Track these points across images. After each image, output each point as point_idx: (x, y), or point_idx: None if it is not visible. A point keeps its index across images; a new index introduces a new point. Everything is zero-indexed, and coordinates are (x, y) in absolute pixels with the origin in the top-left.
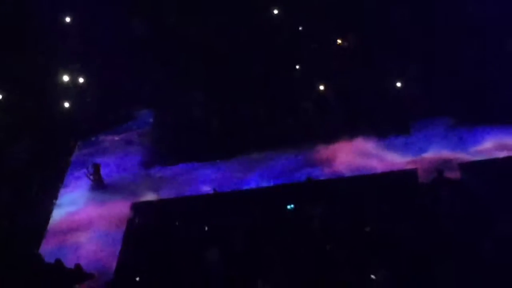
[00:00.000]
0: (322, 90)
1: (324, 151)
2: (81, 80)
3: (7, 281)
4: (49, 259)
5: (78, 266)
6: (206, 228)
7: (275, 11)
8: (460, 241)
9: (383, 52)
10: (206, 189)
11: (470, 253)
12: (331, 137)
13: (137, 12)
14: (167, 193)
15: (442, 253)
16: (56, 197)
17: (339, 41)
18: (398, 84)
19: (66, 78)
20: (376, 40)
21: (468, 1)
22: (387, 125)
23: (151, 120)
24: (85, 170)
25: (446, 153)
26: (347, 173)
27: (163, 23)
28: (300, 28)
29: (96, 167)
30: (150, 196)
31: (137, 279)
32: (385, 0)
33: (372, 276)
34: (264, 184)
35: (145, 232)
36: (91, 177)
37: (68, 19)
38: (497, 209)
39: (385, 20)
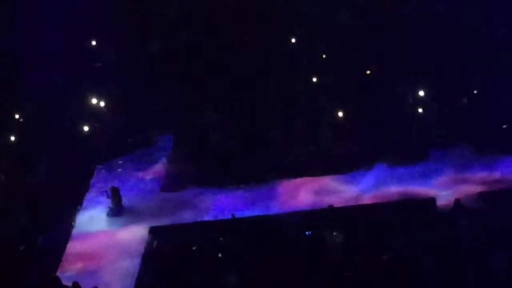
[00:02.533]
0: (341, 117)
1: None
2: (102, 103)
3: None
4: (67, 282)
5: None
6: (223, 254)
7: (293, 40)
8: (479, 270)
9: (403, 78)
10: (224, 214)
11: (489, 282)
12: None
13: (155, 35)
14: (185, 218)
15: (461, 282)
16: (74, 220)
17: (368, 71)
18: (420, 110)
19: (93, 100)
20: (396, 68)
21: (490, 27)
22: (406, 152)
23: (170, 144)
24: (104, 193)
25: (464, 181)
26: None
27: (180, 44)
28: (324, 56)
29: (115, 191)
30: (168, 220)
31: None
32: (405, 27)
33: None
34: (282, 210)
35: (163, 256)
36: (110, 200)
37: (94, 42)
38: None
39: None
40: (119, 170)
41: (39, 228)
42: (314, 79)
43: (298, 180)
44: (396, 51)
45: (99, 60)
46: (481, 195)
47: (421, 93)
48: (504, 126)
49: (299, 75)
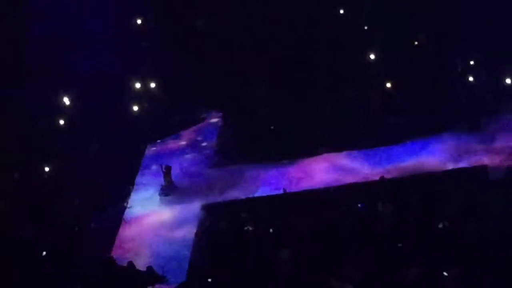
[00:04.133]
0: (389, 88)
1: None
2: (152, 84)
3: (80, 286)
4: (121, 262)
5: (150, 269)
6: (276, 229)
7: (341, 11)
8: None
9: (452, 47)
10: (275, 189)
11: None
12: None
13: (199, 8)
14: (236, 194)
15: None
16: (127, 201)
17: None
18: (470, 79)
19: (142, 80)
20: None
21: None
22: (458, 122)
23: (218, 121)
24: (159, 168)
25: None
26: None
27: (227, 19)
28: (366, 28)
29: (168, 169)
30: (219, 198)
31: (209, 280)
32: None
33: (445, 274)
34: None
35: (216, 234)
36: (164, 178)
37: (139, 21)
38: None
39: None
40: (168, 149)
41: (93, 209)
42: (363, 52)
43: (348, 152)
44: (444, 20)
45: (146, 40)
46: None
47: (471, 61)
48: None
49: (347, 47)
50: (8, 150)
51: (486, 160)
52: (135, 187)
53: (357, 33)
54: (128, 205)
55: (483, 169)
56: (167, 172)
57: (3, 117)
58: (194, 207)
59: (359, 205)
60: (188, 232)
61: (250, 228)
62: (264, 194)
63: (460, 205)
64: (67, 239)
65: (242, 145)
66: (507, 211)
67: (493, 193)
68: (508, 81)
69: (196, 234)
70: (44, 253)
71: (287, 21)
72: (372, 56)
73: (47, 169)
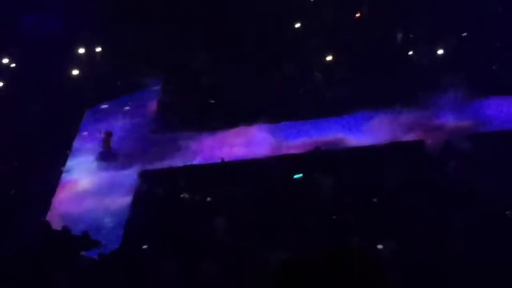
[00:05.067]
0: (330, 60)
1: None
2: (94, 49)
3: (13, 249)
4: (56, 226)
5: (85, 234)
6: (213, 198)
7: None
8: (469, 212)
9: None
10: (214, 157)
11: (479, 223)
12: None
13: None
14: (174, 162)
15: (451, 224)
16: (64, 165)
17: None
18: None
19: (83, 45)
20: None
21: None
22: (397, 96)
23: (159, 88)
24: (97, 132)
25: (455, 125)
26: None
27: None
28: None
29: (108, 134)
30: (158, 165)
31: (144, 247)
32: None
33: (379, 246)
34: (273, 154)
35: (153, 201)
36: (102, 143)
37: None
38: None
39: None
40: (108, 114)
41: (30, 173)
42: (300, 24)
43: (288, 123)
44: None
45: (89, 5)
46: (469, 137)
47: (411, 35)
48: (494, 67)
49: (290, 17)
50: None
51: (423, 135)
52: (72, 151)
53: (300, 4)
54: (65, 170)
55: (419, 144)
56: (106, 137)
57: None
58: (132, 173)
59: (295, 176)
60: (125, 198)
61: (187, 196)
62: (202, 162)
63: (397, 179)
64: (2, 201)
65: (182, 113)
66: (442, 186)
67: (429, 168)
68: (447, 54)
69: (132, 201)
70: None
71: None
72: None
73: None
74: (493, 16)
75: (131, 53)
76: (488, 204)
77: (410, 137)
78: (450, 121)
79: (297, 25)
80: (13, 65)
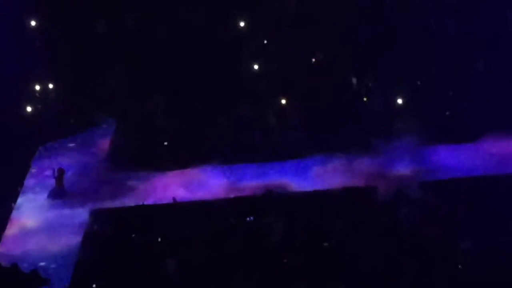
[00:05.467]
0: (284, 104)
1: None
2: (45, 85)
3: None
4: (5, 263)
5: (34, 272)
6: (164, 238)
7: (241, 24)
8: (420, 259)
9: (349, 67)
10: (166, 198)
11: (426, 272)
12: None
13: (99, 12)
14: (126, 201)
15: (401, 271)
16: (14, 201)
17: (313, 59)
18: (364, 99)
19: (37, 82)
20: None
21: (429, 16)
22: (350, 142)
23: (113, 128)
24: (51, 171)
25: (406, 172)
26: None
27: (125, 24)
28: (265, 42)
29: (61, 172)
30: (109, 204)
31: (94, 286)
32: (354, 17)
33: None
34: (224, 196)
35: (103, 240)
36: (55, 180)
37: (33, 23)
38: (457, 228)
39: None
40: (61, 151)
41: None
42: (257, 66)
43: (241, 165)
44: (343, 40)
45: (41, 41)
46: (420, 184)
47: (367, 82)
48: (447, 113)
49: (245, 60)
50: None
51: (375, 182)
52: (23, 188)
53: (256, 47)
54: (15, 207)
55: (371, 190)
56: (59, 175)
57: None
58: (82, 212)
59: (247, 218)
60: (75, 236)
61: (138, 236)
62: (153, 202)
63: (347, 225)
64: None
65: (134, 153)
66: (392, 232)
67: (380, 214)
68: (400, 102)
69: (83, 240)
70: None
71: (186, 31)
72: (268, 71)
73: None
74: (447, 63)
75: (84, 91)
76: (437, 251)
77: (362, 183)
78: (401, 168)
79: (255, 66)
80: None
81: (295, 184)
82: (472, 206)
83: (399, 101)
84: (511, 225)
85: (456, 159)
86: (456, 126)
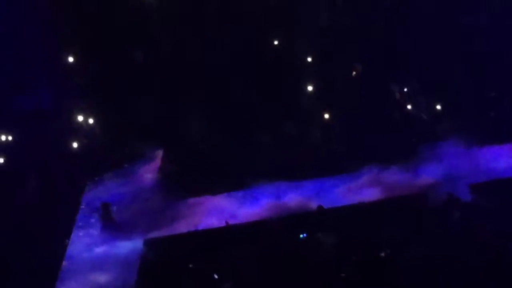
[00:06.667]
0: (328, 119)
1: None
2: (91, 120)
3: None
4: None
5: None
6: (220, 262)
7: (276, 42)
8: (475, 264)
9: (389, 77)
10: (218, 222)
11: (485, 276)
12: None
13: (132, 41)
14: (179, 228)
15: (457, 277)
16: (68, 237)
17: (354, 72)
18: (409, 107)
19: (80, 118)
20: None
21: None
22: (396, 150)
23: (158, 156)
24: (95, 211)
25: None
26: None
27: (160, 50)
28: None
29: (106, 206)
30: (162, 232)
31: None
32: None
33: None
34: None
35: (159, 269)
36: (102, 217)
37: (71, 59)
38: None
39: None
40: (109, 185)
41: (34, 249)
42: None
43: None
44: (381, 50)
45: (79, 76)
46: (472, 187)
47: (408, 89)
48: (491, 114)
49: (285, 78)
50: None
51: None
52: (76, 224)
53: (295, 64)
54: (69, 243)
55: (421, 196)
56: (105, 209)
57: None
58: (137, 242)
59: (301, 235)
60: (131, 267)
61: (194, 265)
62: (207, 227)
63: (401, 233)
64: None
65: (183, 179)
66: (446, 237)
67: (433, 220)
68: (442, 106)
69: (139, 270)
70: None
71: (223, 52)
72: (310, 88)
73: None
74: (487, 63)
75: (127, 123)
76: (492, 252)
77: (411, 191)
78: (450, 172)
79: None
80: (10, 139)
81: (343, 197)
82: None
83: (442, 105)
84: None
85: (503, 159)
86: (500, 126)
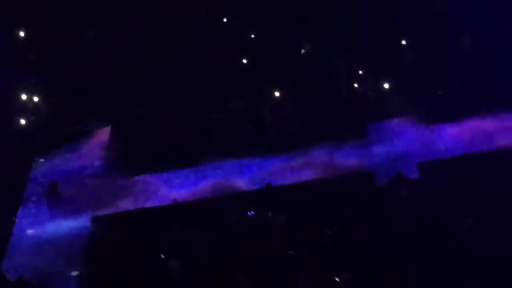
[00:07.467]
0: (277, 96)
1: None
2: (36, 98)
3: None
4: (12, 276)
5: (40, 284)
6: (168, 240)
7: (225, 20)
8: (423, 240)
9: (337, 55)
10: (166, 199)
11: (433, 251)
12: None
13: (87, 19)
14: (126, 206)
15: (405, 253)
16: (15, 214)
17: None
18: (355, 85)
19: (27, 94)
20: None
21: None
22: (344, 129)
23: (107, 133)
24: (41, 189)
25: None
26: None
27: (113, 30)
28: (253, 36)
29: (53, 184)
30: (109, 210)
31: None
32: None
33: (336, 279)
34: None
35: (106, 246)
36: (49, 195)
37: (22, 33)
38: (457, 207)
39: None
40: (58, 162)
41: None
42: (246, 60)
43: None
44: (330, 28)
45: (31, 51)
46: (420, 165)
47: (358, 69)
48: (439, 93)
49: (235, 56)
50: None
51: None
52: (23, 201)
53: (245, 42)
54: (16, 220)
55: (369, 174)
56: (52, 187)
57: None
58: (84, 220)
59: (249, 213)
60: (78, 245)
61: (141, 239)
62: (154, 205)
63: (348, 211)
64: None
65: (130, 157)
66: (394, 215)
67: (381, 198)
68: (391, 84)
69: (86, 247)
70: None
71: (173, 29)
72: (256, 65)
73: None
74: (437, 41)
75: (76, 100)
76: (441, 229)
77: (359, 168)
78: (398, 149)
79: (244, 60)
80: None
81: (292, 175)
82: (469, 183)
83: (390, 83)
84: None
85: (451, 137)
86: (448, 105)
